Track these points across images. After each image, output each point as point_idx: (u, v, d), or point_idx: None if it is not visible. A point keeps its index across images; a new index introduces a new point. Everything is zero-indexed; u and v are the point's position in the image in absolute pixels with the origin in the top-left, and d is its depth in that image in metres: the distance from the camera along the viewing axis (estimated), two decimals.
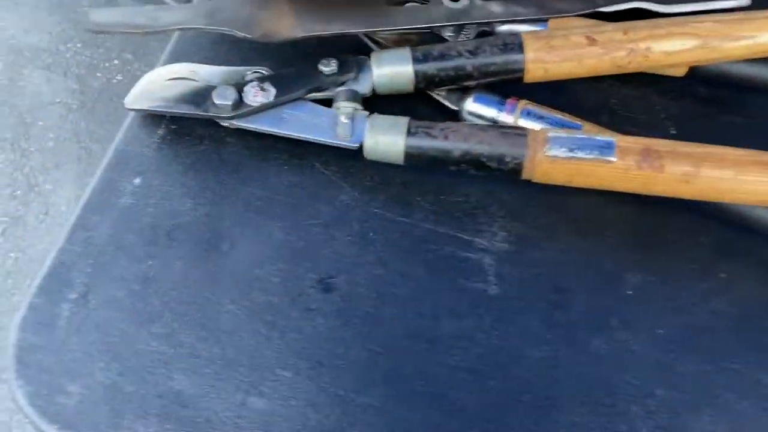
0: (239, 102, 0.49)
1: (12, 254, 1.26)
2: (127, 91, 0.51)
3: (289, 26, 0.49)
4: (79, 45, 1.51)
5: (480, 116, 0.52)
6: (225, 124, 0.50)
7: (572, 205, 0.51)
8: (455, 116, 0.53)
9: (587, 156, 0.45)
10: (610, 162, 0.45)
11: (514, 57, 0.50)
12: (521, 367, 0.46)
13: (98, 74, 1.47)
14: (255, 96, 0.49)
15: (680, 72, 0.54)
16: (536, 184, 0.48)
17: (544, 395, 0.45)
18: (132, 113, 0.52)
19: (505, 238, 0.50)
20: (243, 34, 0.48)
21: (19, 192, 1.32)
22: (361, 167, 0.51)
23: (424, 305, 0.47)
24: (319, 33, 0.49)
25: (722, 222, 0.50)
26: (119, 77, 1.47)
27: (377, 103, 0.52)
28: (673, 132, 0.55)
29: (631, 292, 0.48)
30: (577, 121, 0.51)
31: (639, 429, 0.44)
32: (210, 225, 0.49)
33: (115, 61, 1.49)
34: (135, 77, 0.52)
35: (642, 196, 0.48)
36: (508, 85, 0.52)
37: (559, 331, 0.47)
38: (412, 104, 0.54)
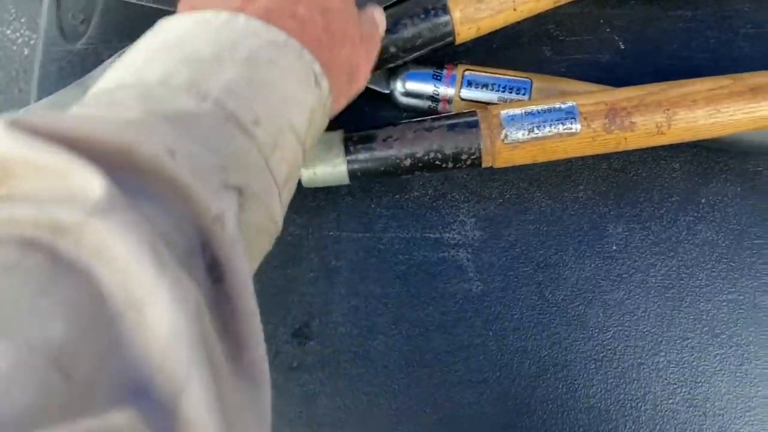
0: None
1: None
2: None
3: None
4: None
5: (417, 95, 0.45)
6: None
7: (536, 167, 0.47)
8: (388, 101, 0.46)
9: (549, 133, 0.40)
10: (575, 134, 0.40)
11: (440, 21, 0.42)
12: (526, 362, 0.44)
13: None
14: None
15: None
16: None
17: (555, 385, 0.43)
18: None
19: (475, 225, 0.46)
20: None
21: None
22: (300, 188, 0.45)
23: (410, 326, 0.44)
24: None
25: (692, 144, 0.47)
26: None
27: None
28: (623, 47, 0.50)
29: (615, 248, 0.46)
30: (524, 77, 0.45)
31: (654, 390, 0.44)
32: None
33: None
34: None
35: None
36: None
37: (553, 312, 0.44)
38: None
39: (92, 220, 0.21)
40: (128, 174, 0.23)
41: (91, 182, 0.21)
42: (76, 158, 0.21)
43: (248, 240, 0.28)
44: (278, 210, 0.30)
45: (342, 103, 0.37)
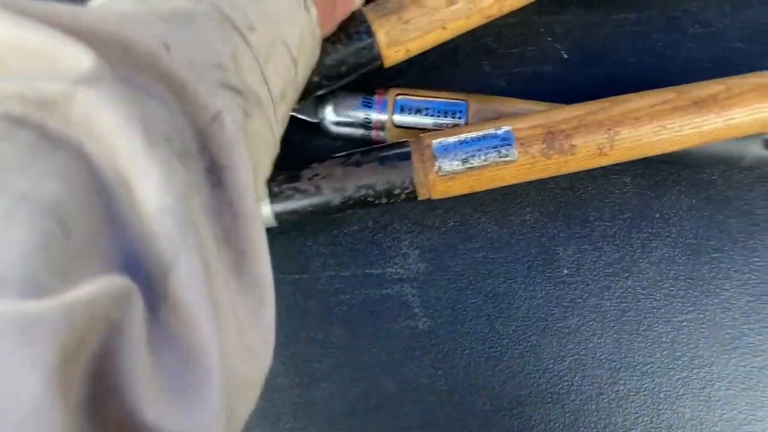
0: None
1: None
2: None
3: None
4: None
5: (348, 123, 0.42)
6: None
7: (480, 192, 0.44)
8: (320, 129, 0.44)
9: (485, 162, 0.38)
10: (512, 161, 0.38)
11: (364, 45, 0.39)
12: (478, 400, 0.41)
13: None
14: None
15: None
16: None
17: (510, 423, 0.41)
18: None
19: (419, 257, 0.43)
20: None
21: None
22: None
23: (355, 370, 0.41)
24: None
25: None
26: None
27: None
28: (566, 56, 0.47)
29: (566, 272, 0.43)
30: (460, 99, 0.42)
31: (614, 421, 0.42)
32: None
33: None
34: None
35: None
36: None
37: (505, 345, 0.42)
38: None
39: (80, 89, 0.20)
40: (123, 68, 0.22)
41: (81, 57, 0.20)
42: (68, 39, 0.20)
43: (252, 150, 0.26)
44: (275, 126, 0.29)
45: (328, 29, 0.36)
